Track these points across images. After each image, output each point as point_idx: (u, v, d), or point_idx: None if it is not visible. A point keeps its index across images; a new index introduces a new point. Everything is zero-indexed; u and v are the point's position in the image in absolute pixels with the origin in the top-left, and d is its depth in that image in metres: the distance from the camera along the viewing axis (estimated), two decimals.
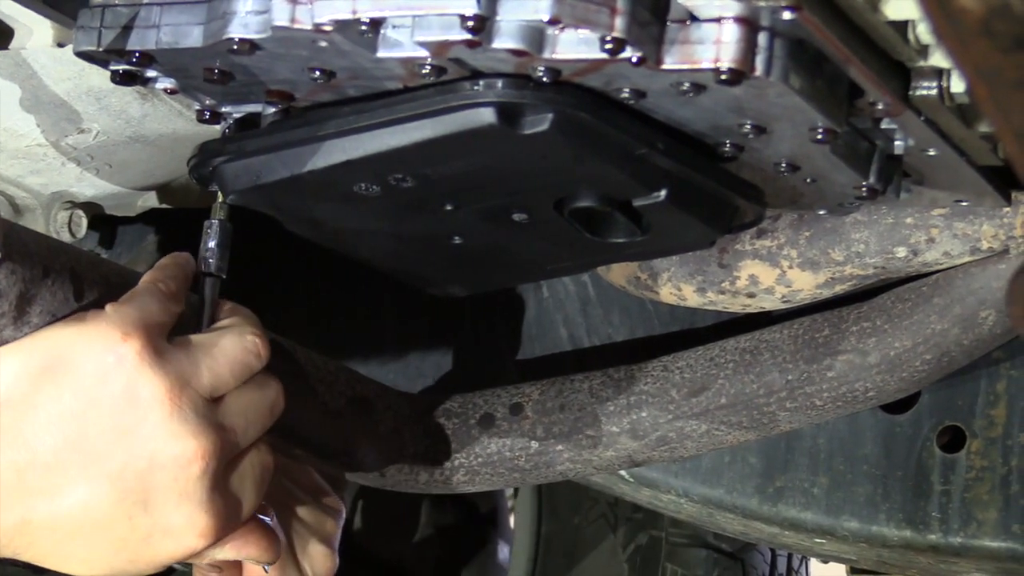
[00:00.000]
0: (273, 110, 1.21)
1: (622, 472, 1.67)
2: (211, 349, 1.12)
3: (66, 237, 1.52)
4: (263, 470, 1.16)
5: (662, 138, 1.15)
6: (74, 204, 1.53)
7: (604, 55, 1.01)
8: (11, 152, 1.44)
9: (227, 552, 1.16)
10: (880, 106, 1.12)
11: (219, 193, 1.22)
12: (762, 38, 1.02)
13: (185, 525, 1.10)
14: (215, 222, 1.22)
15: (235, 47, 1.08)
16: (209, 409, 1.11)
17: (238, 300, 1.23)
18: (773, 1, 0.98)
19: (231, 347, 1.13)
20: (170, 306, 1.13)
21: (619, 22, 1.00)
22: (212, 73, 1.14)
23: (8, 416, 1.07)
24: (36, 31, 1.28)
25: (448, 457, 1.50)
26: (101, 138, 1.43)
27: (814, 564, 2.80)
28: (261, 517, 1.20)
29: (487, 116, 1.10)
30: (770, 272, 1.44)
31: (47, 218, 1.52)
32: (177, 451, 1.08)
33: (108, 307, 1.10)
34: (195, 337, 1.13)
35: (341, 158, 1.17)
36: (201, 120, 1.24)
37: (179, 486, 1.09)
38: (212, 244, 1.22)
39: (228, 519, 1.12)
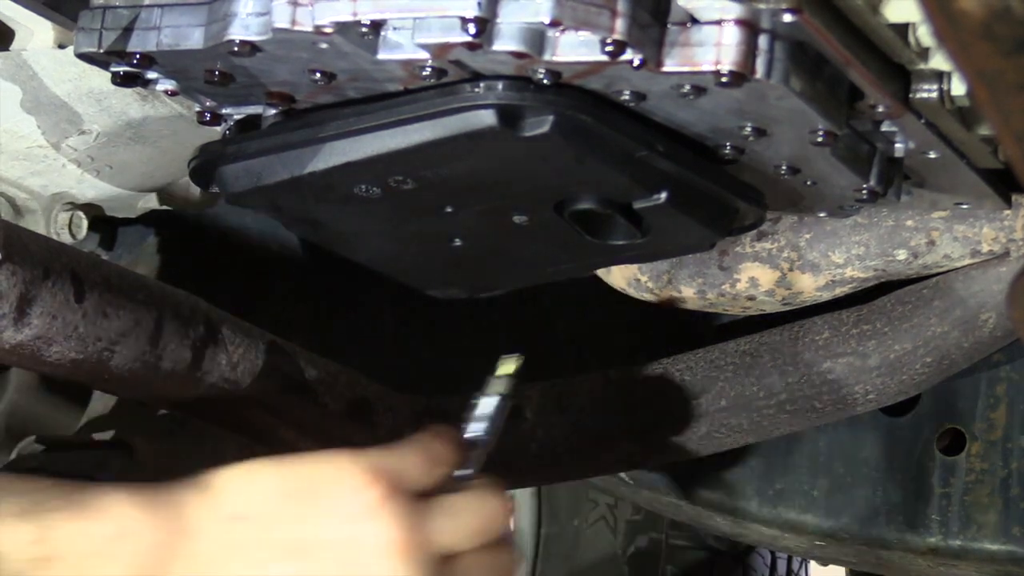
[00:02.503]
0: (273, 112, 1.21)
1: (622, 474, 1.67)
2: (455, 510, 1.12)
3: (67, 238, 1.52)
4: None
5: (662, 140, 1.15)
6: (75, 205, 1.53)
7: (605, 57, 1.01)
8: (12, 153, 1.44)
9: None
10: (880, 109, 1.12)
11: (502, 366, 1.20)
12: (763, 41, 1.02)
13: None
14: (494, 398, 1.19)
15: (236, 49, 1.08)
16: (441, 565, 1.10)
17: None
18: (774, 4, 0.98)
19: (474, 511, 1.13)
20: (430, 467, 1.13)
21: (620, 24, 1.00)
22: (213, 75, 1.14)
23: (251, 531, 1.07)
24: (37, 33, 1.28)
25: None
26: (102, 139, 1.43)
27: (814, 567, 2.80)
28: None
29: (487, 118, 1.10)
30: (770, 274, 1.45)
31: (48, 219, 1.52)
32: None
33: (365, 452, 1.11)
34: (443, 497, 1.13)
35: (341, 160, 1.17)
36: (201, 122, 1.25)
37: None
38: (486, 416, 1.19)
39: None
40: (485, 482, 1.16)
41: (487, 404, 1.19)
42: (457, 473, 1.15)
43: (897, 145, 1.21)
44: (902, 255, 1.39)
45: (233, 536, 1.07)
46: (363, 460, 1.10)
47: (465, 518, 1.12)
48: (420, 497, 1.11)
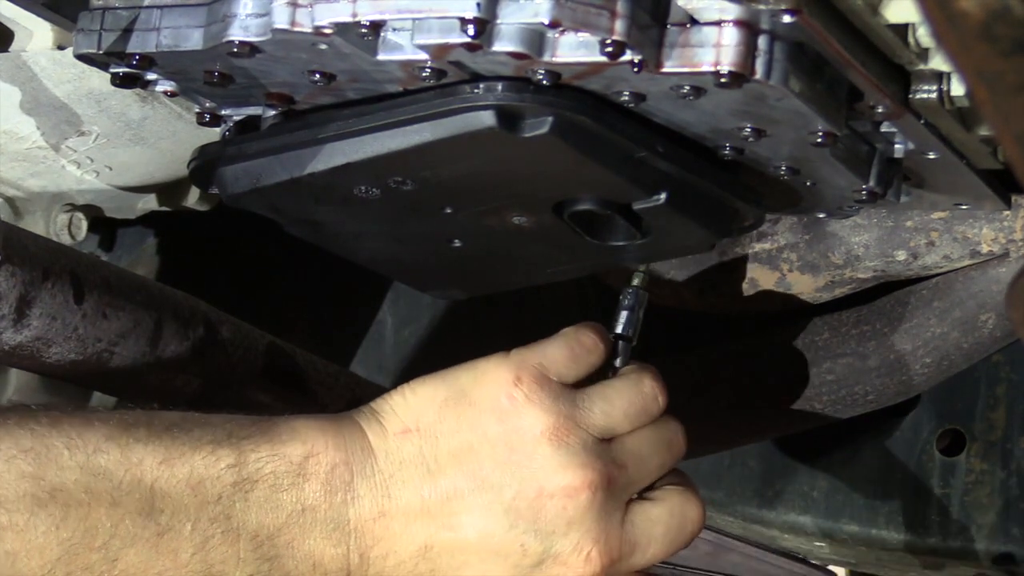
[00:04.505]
0: (273, 113, 1.21)
1: None
2: (608, 394, 1.19)
3: (66, 239, 1.52)
4: (683, 521, 1.20)
5: (662, 141, 1.15)
6: (74, 206, 1.53)
7: (604, 58, 1.01)
8: (11, 154, 1.44)
9: None
10: (880, 109, 1.12)
11: (641, 266, 1.30)
12: (762, 41, 1.02)
13: (573, 552, 1.15)
14: (631, 289, 1.29)
15: (235, 50, 1.08)
16: (599, 447, 1.17)
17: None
18: (773, 4, 0.98)
19: (627, 393, 1.20)
20: (576, 358, 1.20)
21: (619, 25, 1.00)
22: (212, 76, 1.14)
23: (417, 443, 1.16)
24: (36, 34, 1.28)
25: None
26: (101, 140, 1.43)
27: None
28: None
29: (487, 119, 1.10)
30: (770, 275, 1.45)
31: (47, 220, 1.52)
32: (565, 482, 1.14)
33: (512, 351, 1.19)
34: (596, 384, 1.20)
35: (341, 161, 1.17)
36: (201, 123, 1.24)
37: (567, 514, 1.14)
38: (626, 309, 1.29)
39: (620, 555, 1.17)
40: (636, 367, 1.23)
41: (629, 300, 1.29)
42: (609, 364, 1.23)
43: (897, 146, 1.21)
44: (901, 256, 1.39)
45: (404, 450, 1.15)
46: (508, 360, 1.18)
47: (619, 401, 1.19)
48: (571, 387, 1.18)
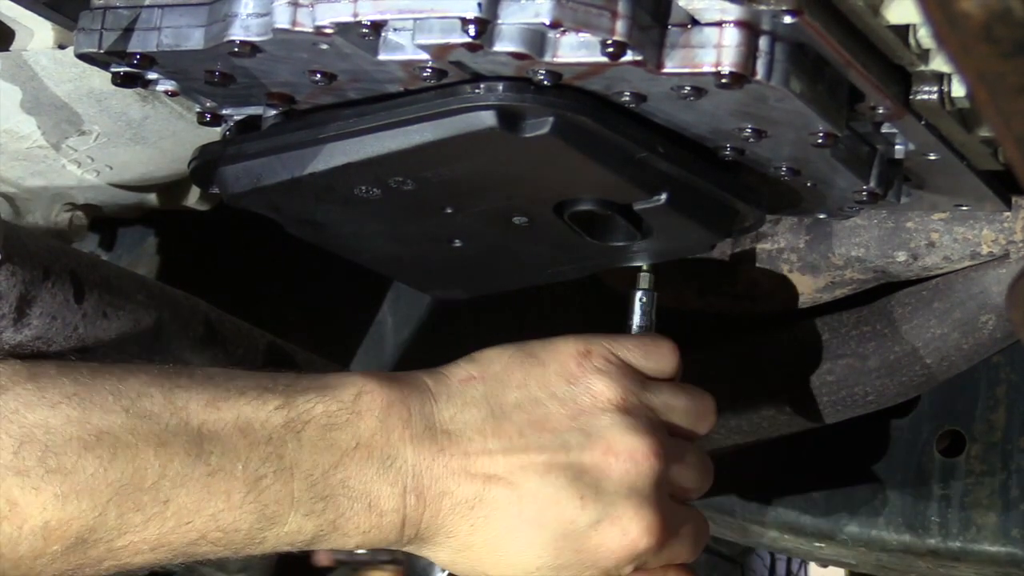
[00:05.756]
0: (274, 112, 1.21)
1: None
2: (675, 391, 1.21)
3: (66, 239, 1.52)
4: (701, 538, 1.22)
5: (662, 142, 1.15)
6: (74, 206, 1.53)
7: (605, 59, 1.01)
8: (12, 154, 1.44)
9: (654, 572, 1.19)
10: (881, 110, 1.12)
11: (645, 266, 1.33)
12: (763, 42, 1.02)
13: (633, 517, 1.14)
14: (642, 291, 1.32)
15: (236, 49, 1.08)
16: (664, 430, 1.19)
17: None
18: (774, 5, 0.98)
19: (689, 396, 1.22)
20: (649, 354, 1.22)
21: (620, 26, 1.00)
22: (213, 75, 1.14)
23: (481, 389, 1.15)
24: (37, 33, 1.28)
25: None
26: (102, 140, 1.43)
27: (813, 568, 2.80)
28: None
29: (488, 119, 1.10)
30: (770, 276, 1.44)
31: (47, 220, 1.52)
32: (632, 446, 1.15)
33: (589, 334, 1.20)
34: (661, 381, 1.22)
35: (342, 161, 1.17)
36: (202, 122, 1.25)
37: (630, 479, 1.14)
38: (640, 311, 1.32)
39: (667, 539, 1.17)
40: (693, 386, 1.24)
41: (640, 301, 1.32)
42: None
43: (897, 147, 1.21)
44: (902, 257, 1.39)
45: (467, 393, 1.15)
46: (579, 336, 1.19)
47: (682, 401, 1.21)
48: (639, 374, 1.20)
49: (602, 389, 1.16)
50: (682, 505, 1.20)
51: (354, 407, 1.11)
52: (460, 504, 1.13)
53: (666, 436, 1.18)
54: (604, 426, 1.15)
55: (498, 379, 1.16)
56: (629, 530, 1.14)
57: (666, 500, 1.17)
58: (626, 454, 1.14)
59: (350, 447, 1.10)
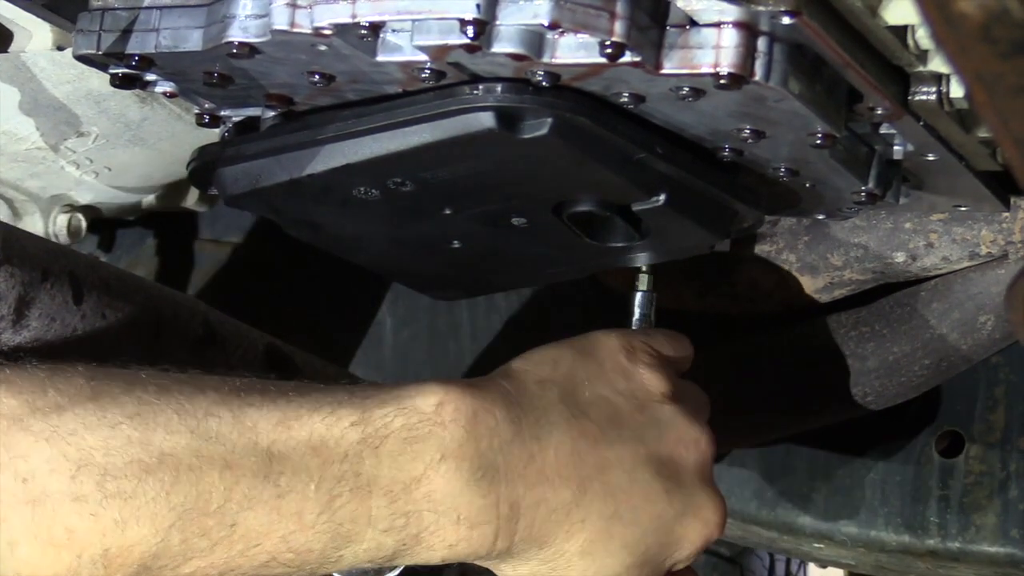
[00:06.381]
0: (272, 114, 1.21)
1: None
2: (694, 388, 1.23)
3: (65, 240, 1.52)
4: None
5: (661, 143, 1.15)
6: (73, 207, 1.53)
7: (603, 59, 1.01)
8: (10, 155, 1.44)
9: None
10: (879, 111, 1.12)
11: (644, 267, 1.34)
12: (761, 43, 1.02)
13: (711, 507, 1.15)
14: (642, 292, 1.35)
15: (234, 51, 1.08)
16: (700, 418, 1.20)
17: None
18: (772, 6, 0.98)
19: (701, 396, 1.23)
20: (677, 348, 1.23)
21: (619, 27, 1.00)
22: (211, 77, 1.14)
23: (557, 391, 1.13)
24: (36, 34, 1.28)
25: None
26: (100, 141, 1.43)
27: (812, 569, 2.80)
28: None
29: (486, 120, 1.10)
30: (769, 276, 1.44)
31: (46, 221, 1.52)
32: (695, 434, 1.16)
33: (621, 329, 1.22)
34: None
35: (340, 162, 1.17)
36: (200, 124, 1.25)
37: (699, 467, 1.16)
38: (640, 312, 1.35)
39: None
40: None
41: (640, 302, 1.34)
42: None
43: (896, 147, 1.21)
44: (900, 257, 1.39)
45: (546, 396, 1.12)
46: (615, 331, 1.20)
47: (698, 401, 1.22)
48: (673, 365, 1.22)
49: (655, 382, 1.17)
50: None
51: (436, 417, 1.06)
52: (556, 509, 1.09)
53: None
54: (668, 417, 1.15)
55: (569, 379, 1.14)
56: (709, 520, 1.15)
57: None
58: (693, 443, 1.15)
59: (434, 459, 1.05)
